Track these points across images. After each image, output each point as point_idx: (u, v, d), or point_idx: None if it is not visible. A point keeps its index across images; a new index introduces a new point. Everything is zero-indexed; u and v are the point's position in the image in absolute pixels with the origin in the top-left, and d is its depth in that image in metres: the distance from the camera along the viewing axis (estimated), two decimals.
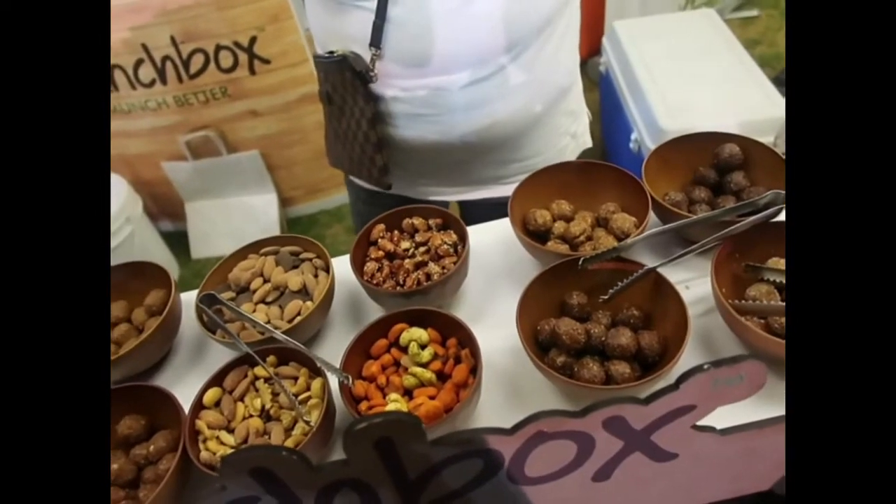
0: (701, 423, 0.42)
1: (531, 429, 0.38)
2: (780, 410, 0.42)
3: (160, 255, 1.95)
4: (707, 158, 0.67)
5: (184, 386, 0.59)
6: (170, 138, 1.91)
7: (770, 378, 0.53)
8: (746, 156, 0.66)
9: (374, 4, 0.69)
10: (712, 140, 0.67)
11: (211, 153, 1.94)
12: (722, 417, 0.41)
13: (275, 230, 2.02)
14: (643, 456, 0.45)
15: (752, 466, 0.53)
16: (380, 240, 0.65)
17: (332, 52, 0.76)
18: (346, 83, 0.78)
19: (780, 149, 1.39)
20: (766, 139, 1.59)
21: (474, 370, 0.53)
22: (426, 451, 0.38)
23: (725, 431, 0.45)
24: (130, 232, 1.73)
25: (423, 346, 0.55)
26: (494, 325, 0.60)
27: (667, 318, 0.55)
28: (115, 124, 1.90)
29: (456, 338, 0.56)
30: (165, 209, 2.12)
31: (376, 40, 0.72)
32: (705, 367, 0.37)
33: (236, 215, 2.07)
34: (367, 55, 0.74)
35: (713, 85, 1.70)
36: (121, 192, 1.84)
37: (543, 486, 0.46)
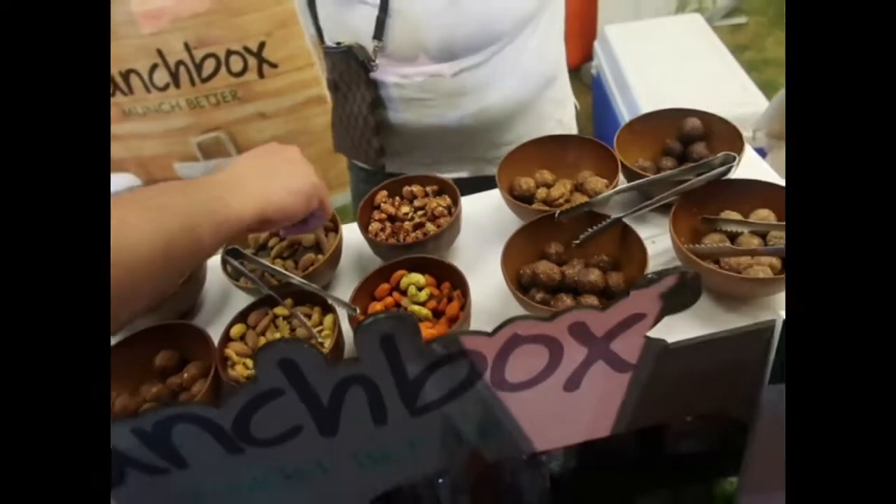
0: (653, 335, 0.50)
1: (508, 331, 0.47)
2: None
3: None
4: (673, 132, 0.76)
5: (212, 329, 0.67)
6: (182, 140, 2.01)
7: (710, 304, 0.62)
8: (707, 129, 0.74)
9: (377, 1, 0.78)
10: (678, 116, 0.76)
11: (221, 154, 2.04)
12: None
13: None
14: (606, 365, 0.53)
15: (705, 390, 0.62)
16: (382, 204, 0.74)
17: (339, 44, 0.85)
18: (351, 71, 0.87)
19: (759, 142, 1.48)
20: (746, 133, 1.67)
21: (464, 308, 0.61)
22: (421, 350, 0.46)
23: (674, 345, 0.53)
24: None
25: (420, 289, 0.63)
26: (483, 276, 0.68)
27: (632, 263, 0.63)
28: (130, 126, 2.00)
29: (449, 282, 0.64)
30: None
31: (379, 33, 0.81)
32: (650, 275, 0.45)
33: None
34: (370, 46, 0.83)
35: (697, 83, 1.79)
36: None
37: (522, 395, 0.54)
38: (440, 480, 0.76)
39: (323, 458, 0.55)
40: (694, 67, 1.90)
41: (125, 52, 1.81)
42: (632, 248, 0.63)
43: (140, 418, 0.46)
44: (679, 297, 0.47)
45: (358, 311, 0.60)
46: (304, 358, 0.45)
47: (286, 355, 0.45)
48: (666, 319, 0.49)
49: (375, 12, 0.79)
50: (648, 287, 0.46)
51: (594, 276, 0.60)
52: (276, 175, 0.57)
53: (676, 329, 0.58)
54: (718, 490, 0.80)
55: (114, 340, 0.64)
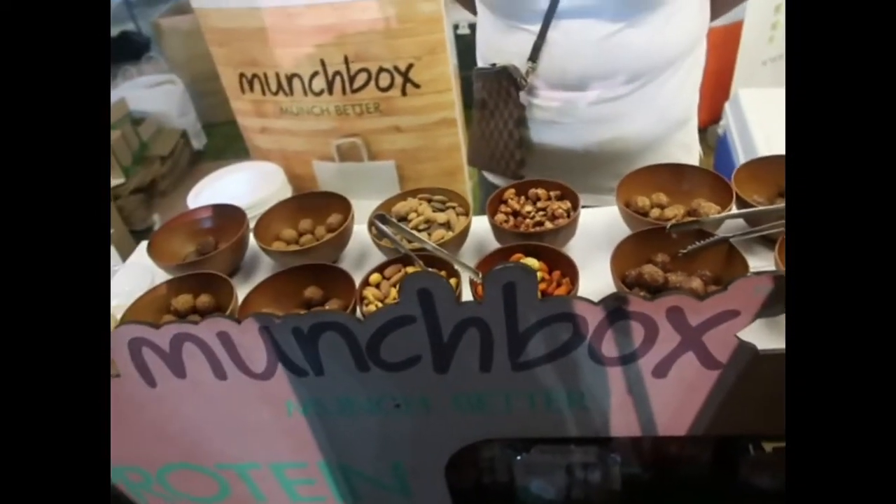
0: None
1: (612, 303, 0.54)
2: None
3: None
4: None
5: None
6: (324, 141, 2.24)
7: None
8: None
9: (537, 28, 0.89)
10: None
11: (355, 158, 2.25)
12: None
13: None
14: (695, 358, 0.58)
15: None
16: (510, 200, 0.84)
17: (494, 65, 0.97)
18: (501, 90, 0.98)
19: None
20: None
21: (570, 293, 0.69)
22: (535, 304, 0.54)
23: (765, 352, 0.58)
24: None
25: None
26: (590, 277, 0.75)
27: None
28: (284, 123, 2.26)
29: (560, 271, 0.72)
30: None
31: (534, 55, 0.92)
32: (749, 274, 0.51)
33: (364, 215, 2.35)
34: (523, 68, 0.94)
35: None
36: (277, 180, 2.19)
37: (614, 371, 0.60)
38: (518, 458, 0.83)
39: (429, 394, 0.64)
40: None
41: (294, 58, 2.08)
42: (736, 270, 0.68)
43: (302, 318, 0.58)
44: (775, 300, 0.52)
45: (480, 275, 0.69)
46: (439, 290, 0.55)
47: (426, 285, 0.54)
48: (762, 330, 0.53)
49: (533, 38, 0.91)
50: (747, 283, 0.52)
51: (696, 283, 0.65)
52: None
53: (770, 341, 0.63)
54: None
55: (270, 273, 0.78)
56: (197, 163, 3.28)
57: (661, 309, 0.54)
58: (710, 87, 2.66)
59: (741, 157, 1.98)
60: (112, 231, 2.29)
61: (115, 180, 2.66)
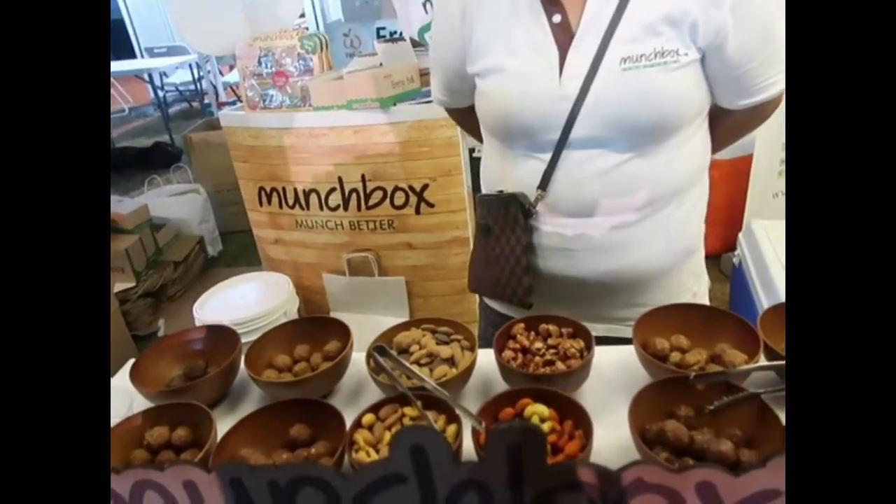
0: None
1: (633, 472, 0.47)
2: None
3: None
4: None
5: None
6: (336, 255, 2.24)
7: None
8: None
9: (548, 157, 0.89)
10: None
11: (365, 272, 2.24)
12: None
13: None
14: None
15: None
16: (518, 335, 0.78)
17: (501, 192, 0.96)
18: (509, 216, 0.96)
19: None
20: None
21: (585, 448, 0.61)
22: (545, 469, 0.48)
23: None
24: None
25: (543, 420, 0.65)
26: (604, 427, 0.68)
27: (767, 445, 0.60)
28: (297, 235, 2.28)
29: (572, 420, 0.65)
30: (313, 314, 2.41)
31: (544, 184, 0.91)
32: None
33: (370, 331, 2.29)
34: (532, 195, 0.93)
35: None
36: (285, 291, 2.17)
37: None
38: None
39: None
40: None
41: (312, 175, 2.14)
42: (769, 429, 0.61)
43: (279, 470, 0.51)
44: None
45: (483, 424, 0.63)
46: (435, 447, 0.48)
47: (420, 441, 0.48)
48: None
49: (544, 167, 0.90)
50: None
51: (725, 447, 0.58)
52: None
53: None
54: None
55: (256, 407, 0.72)
56: (209, 269, 3.30)
57: (690, 483, 0.47)
58: (723, 217, 2.65)
59: (758, 287, 1.94)
60: (112, 335, 2.24)
61: (126, 284, 2.66)
